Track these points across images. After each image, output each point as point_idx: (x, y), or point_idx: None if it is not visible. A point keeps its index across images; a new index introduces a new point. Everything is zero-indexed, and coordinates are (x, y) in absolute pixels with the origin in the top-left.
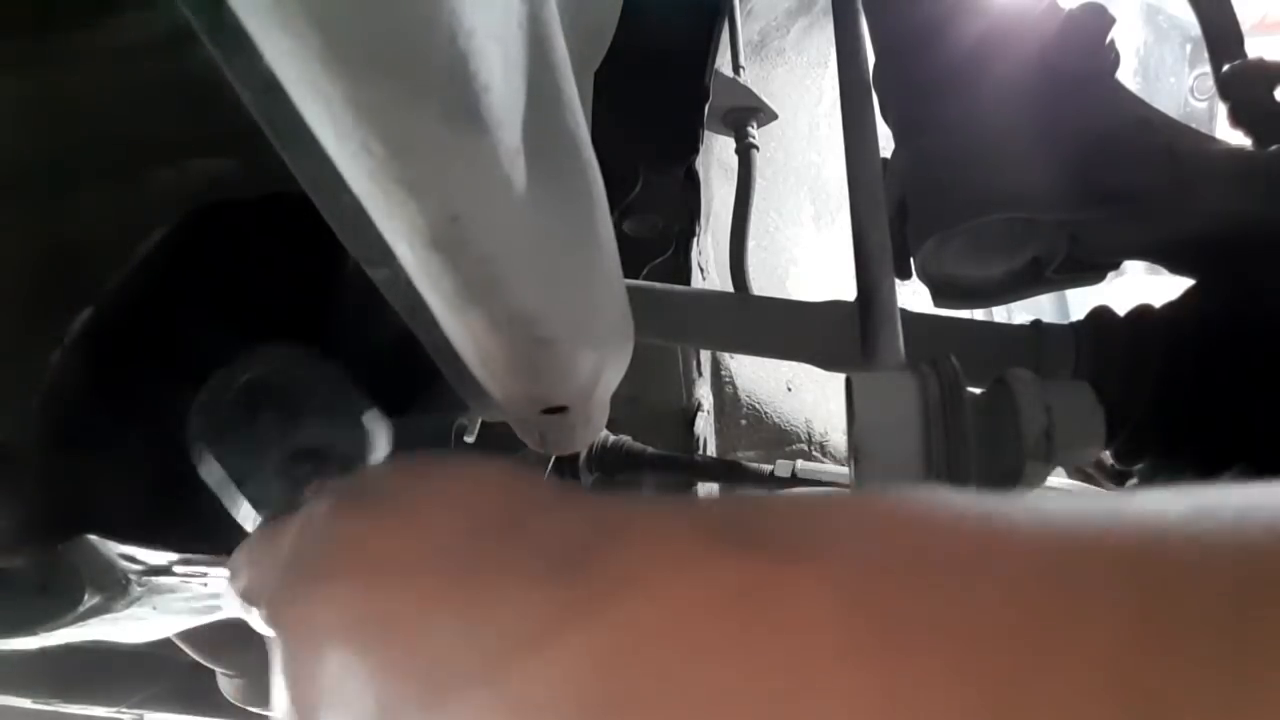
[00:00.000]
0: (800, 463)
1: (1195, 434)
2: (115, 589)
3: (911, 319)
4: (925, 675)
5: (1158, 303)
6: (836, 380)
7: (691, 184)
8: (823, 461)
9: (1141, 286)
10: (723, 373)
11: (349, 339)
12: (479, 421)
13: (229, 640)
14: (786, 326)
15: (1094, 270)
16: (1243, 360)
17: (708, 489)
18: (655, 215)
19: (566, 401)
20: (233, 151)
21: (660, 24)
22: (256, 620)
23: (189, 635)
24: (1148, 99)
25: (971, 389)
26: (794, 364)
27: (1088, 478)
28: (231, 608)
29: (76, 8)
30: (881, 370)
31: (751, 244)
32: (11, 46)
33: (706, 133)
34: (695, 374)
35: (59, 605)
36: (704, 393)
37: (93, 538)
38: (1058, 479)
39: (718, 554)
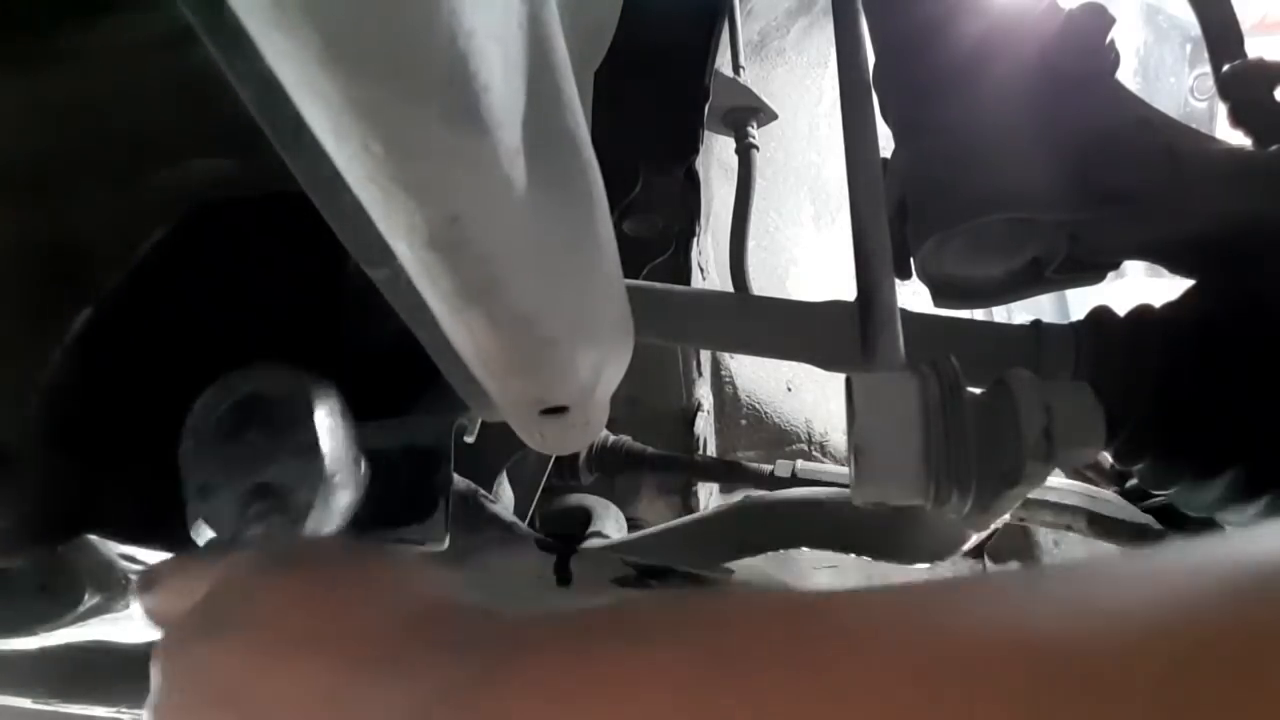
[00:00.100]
0: (800, 463)
1: (1195, 434)
2: (115, 589)
3: (911, 319)
4: None
5: (1158, 303)
6: (836, 380)
7: (691, 184)
8: (823, 461)
9: (1141, 287)
10: (723, 373)
11: (349, 339)
12: (479, 421)
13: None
14: (786, 326)
15: (1094, 270)
16: (1242, 360)
17: (708, 489)
18: (655, 215)
19: (566, 401)
20: (233, 151)
21: (660, 24)
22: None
23: None
24: (1148, 99)
25: (971, 389)
26: (794, 364)
27: (1087, 478)
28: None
29: (77, 8)
30: (881, 370)
31: (751, 244)
32: (12, 46)
33: (706, 133)
34: (695, 374)
35: (59, 605)
36: (704, 393)
37: (93, 538)
38: (1057, 479)
39: (579, 656)
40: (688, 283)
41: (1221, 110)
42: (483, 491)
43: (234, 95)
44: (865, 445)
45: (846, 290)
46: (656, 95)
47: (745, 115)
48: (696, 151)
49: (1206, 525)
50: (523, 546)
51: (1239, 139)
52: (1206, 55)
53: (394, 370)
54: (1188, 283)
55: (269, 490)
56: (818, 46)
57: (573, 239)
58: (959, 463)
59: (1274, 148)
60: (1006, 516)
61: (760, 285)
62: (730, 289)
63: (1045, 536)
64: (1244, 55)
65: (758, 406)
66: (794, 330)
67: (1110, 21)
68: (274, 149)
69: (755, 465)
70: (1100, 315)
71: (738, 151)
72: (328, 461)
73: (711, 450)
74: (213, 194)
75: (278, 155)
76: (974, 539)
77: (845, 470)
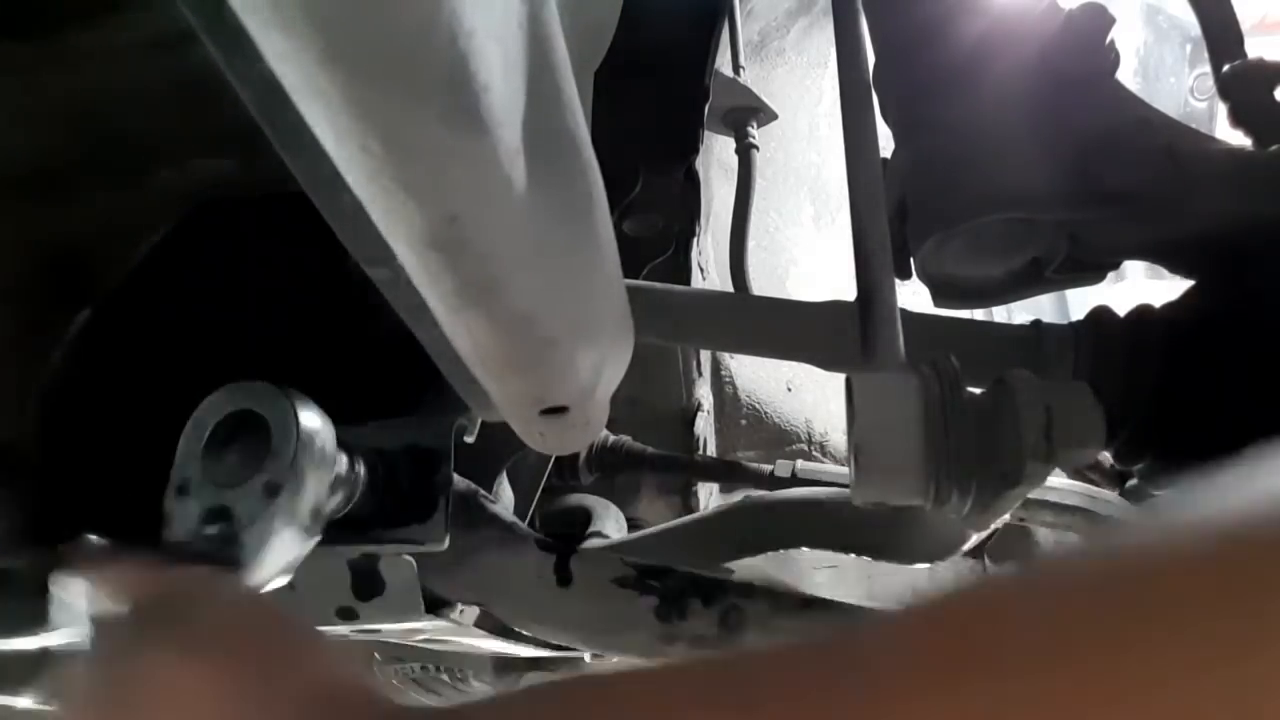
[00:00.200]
0: (800, 463)
1: (1194, 434)
2: None
3: (911, 319)
4: None
5: (1158, 303)
6: (836, 380)
7: (691, 184)
8: (823, 461)
9: (1141, 287)
10: (723, 373)
11: (349, 339)
12: (479, 421)
13: None
14: (786, 326)
15: (1094, 270)
16: (1242, 360)
17: (708, 489)
18: (655, 215)
19: (566, 401)
20: (233, 151)
21: (660, 24)
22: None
23: None
24: (1148, 99)
25: (971, 389)
26: (794, 364)
27: (1087, 478)
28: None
29: (76, 8)
30: (881, 370)
31: (751, 244)
32: (12, 47)
33: (706, 133)
34: (695, 374)
35: None
36: (704, 393)
37: (93, 538)
38: (1057, 479)
39: None
40: (688, 283)
41: (1221, 110)
42: (483, 491)
43: (234, 95)
44: (865, 445)
45: (846, 290)
46: (656, 95)
47: (745, 115)
48: (696, 151)
49: None
50: (523, 546)
51: (1239, 139)
52: (1206, 55)
53: (394, 370)
54: (1188, 283)
55: (227, 514)
56: (818, 46)
57: (573, 239)
58: (959, 463)
59: (1274, 148)
60: (1006, 516)
61: (760, 285)
62: (730, 289)
63: (1045, 536)
64: (1244, 55)
65: (758, 406)
66: (794, 330)
67: (1110, 21)
68: (274, 149)
69: (755, 465)
70: (1100, 315)
71: (738, 151)
72: (301, 495)
73: (711, 450)
74: (213, 194)
75: (278, 155)
76: (974, 539)
77: (845, 470)
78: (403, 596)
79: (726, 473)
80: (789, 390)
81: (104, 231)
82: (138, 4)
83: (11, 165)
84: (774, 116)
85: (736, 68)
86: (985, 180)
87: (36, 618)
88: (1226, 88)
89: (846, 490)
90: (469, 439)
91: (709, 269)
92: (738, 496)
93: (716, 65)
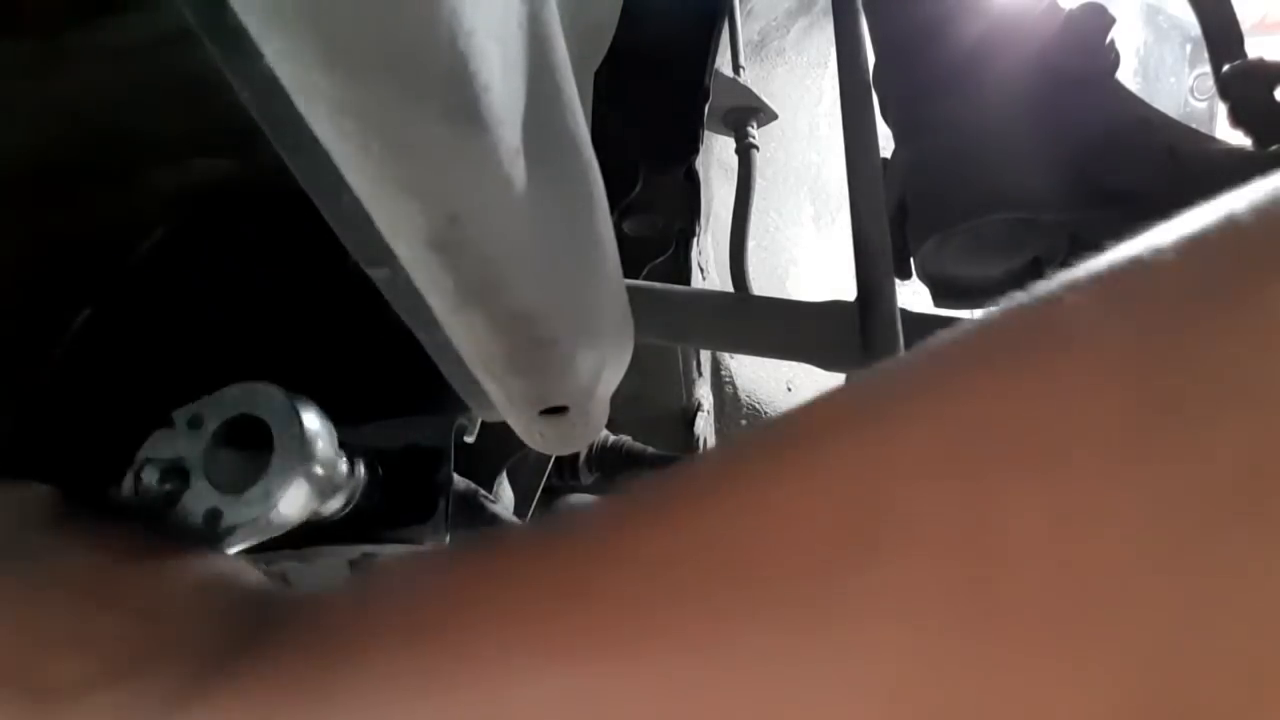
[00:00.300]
0: None
1: None
2: None
3: (911, 319)
4: None
5: None
6: (836, 380)
7: (691, 184)
8: None
9: None
10: (723, 373)
11: (348, 339)
12: (479, 421)
13: None
14: (786, 326)
15: None
16: None
17: None
18: (655, 215)
19: (566, 401)
20: (233, 151)
21: (660, 24)
22: None
23: None
24: (1148, 99)
25: None
26: (794, 364)
27: None
28: None
29: (77, 8)
30: None
31: (751, 244)
32: (13, 47)
33: (706, 133)
34: (695, 374)
35: None
36: (704, 393)
37: None
38: None
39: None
40: (688, 283)
41: (1221, 110)
42: (483, 491)
43: (234, 95)
44: None
45: (846, 290)
46: (656, 95)
47: (745, 115)
48: (696, 151)
49: None
50: None
51: (1239, 139)
52: (1206, 55)
53: (394, 370)
54: None
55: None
56: (818, 46)
57: (573, 239)
58: None
59: (1274, 148)
60: None
61: (760, 285)
62: (730, 289)
63: None
64: (1244, 55)
65: (758, 406)
66: (794, 330)
67: (1110, 21)
68: (274, 149)
69: None
70: None
71: (738, 151)
72: (301, 496)
73: None
74: (213, 194)
75: (278, 155)
76: None
77: None
78: None
79: None
80: (789, 390)
81: (104, 231)
82: (138, 4)
83: (11, 165)
84: (774, 116)
85: (736, 68)
86: (985, 180)
87: None
88: (1226, 88)
89: None
90: (469, 439)
91: (709, 269)
92: None
93: (716, 65)
